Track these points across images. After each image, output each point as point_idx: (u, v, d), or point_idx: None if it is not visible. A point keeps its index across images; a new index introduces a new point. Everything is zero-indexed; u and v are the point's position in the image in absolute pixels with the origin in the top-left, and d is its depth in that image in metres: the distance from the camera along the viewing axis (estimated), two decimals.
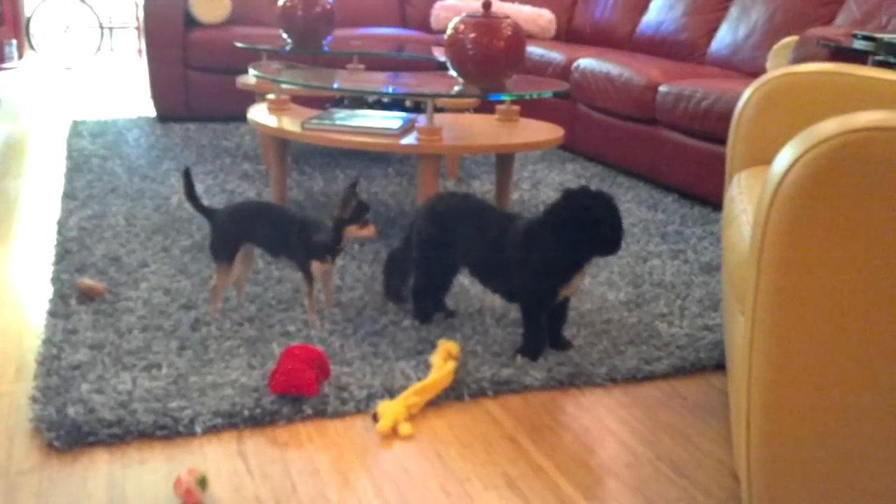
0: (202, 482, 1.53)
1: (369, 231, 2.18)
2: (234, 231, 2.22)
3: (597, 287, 2.57)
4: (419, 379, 1.94)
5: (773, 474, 1.35)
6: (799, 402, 1.31)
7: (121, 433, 1.71)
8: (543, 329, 2.12)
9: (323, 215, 2.20)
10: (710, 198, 3.50)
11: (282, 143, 3.20)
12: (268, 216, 2.23)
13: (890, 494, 1.33)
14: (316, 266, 2.19)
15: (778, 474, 1.35)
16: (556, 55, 4.64)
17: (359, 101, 4.01)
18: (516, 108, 3.25)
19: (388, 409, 1.80)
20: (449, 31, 2.90)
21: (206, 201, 3.28)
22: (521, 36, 2.88)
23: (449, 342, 2.05)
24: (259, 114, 3.18)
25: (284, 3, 3.84)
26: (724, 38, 4.22)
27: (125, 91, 6.22)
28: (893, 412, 1.28)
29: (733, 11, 4.24)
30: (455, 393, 1.93)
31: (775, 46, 3.48)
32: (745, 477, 1.39)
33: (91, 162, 3.88)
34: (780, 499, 1.37)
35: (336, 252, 2.19)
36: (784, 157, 1.27)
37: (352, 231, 2.16)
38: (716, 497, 1.61)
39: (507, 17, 2.89)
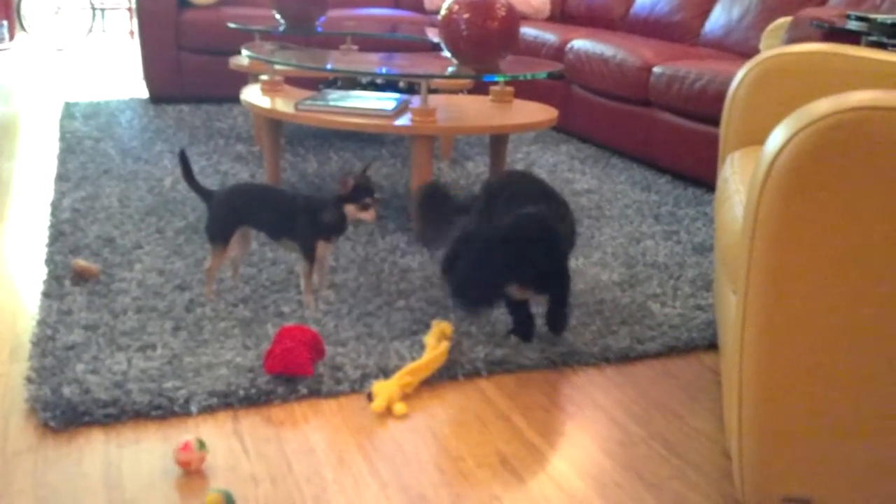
0: (201, 444, 1.56)
1: (369, 215, 2.16)
2: (230, 213, 2.21)
3: (590, 267, 2.57)
4: (413, 359, 1.95)
5: (765, 452, 1.37)
6: (790, 380, 1.32)
7: (116, 413, 1.72)
8: (520, 310, 2.12)
9: (324, 195, 2.19)
10: (703, 178, 3.50)
11: (275, 124, 3.19)
12: (266, 198, 2.22)
13: (883, 470, 1.34)
14: (321, 246, 2.19)
15: (769, 452, 1.36)
16: (549, 36, 4.63)
17: (352, 82, 4.00)
18: (510, 89, 3.25)
19: (383, 389, 1.81)
20: (443, 12, 2.89)
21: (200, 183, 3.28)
22: (515, 17, 2.88)
23: (442, 322, 2.05)
24: (252, 95, 3.17)
25: None
26: (718, 19, 4.21)
27: (117, 72, 6.19)
28: (886, 389, 1.30)
29: None
30: (449, 373, 1.94)
31: (769, 27, 3.48)
32: (737, 455, 1.40)
33: (84, 143, 3.87)
34: (772, 476, 1.38)
35: (340, 232, 2.20)
36: (777, 137, 1.27)
37: (351, 212, 2.15)
38: (707, 475, 1.63)
39: None
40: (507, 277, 1.99)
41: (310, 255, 2.19)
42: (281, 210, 2.19)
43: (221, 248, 2.22)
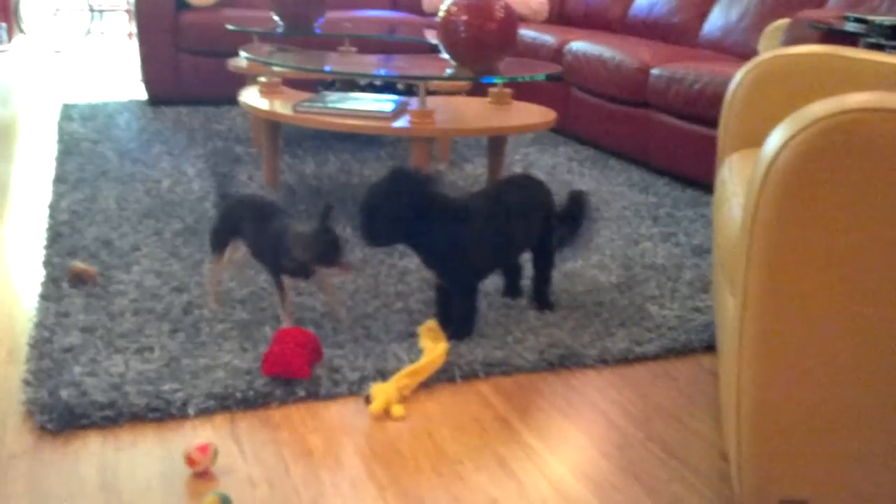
0: (215, 454, 1.57)
1: (345, 272, 2.03)
2: (227, 224, 2.18)
3: (588, 269, 2.57)
4: (411, 361, 1.95)
5: (763, 454, 1.36)
6: (789, 382, 1.32)
7: (113, 416, 1.71)
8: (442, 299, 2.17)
9: (316, 233, 1.97)
10: (701, 180, 3.50)
11: (273, 126, 3.19)
12: (262, 217, 2.10)
13: (882, 473, 1.34)
14: (286, 281, 2.08)
15: (767, 454, 1.36)
16: (548, 38, 4.63)
17: (350, 83, 4.00)
18: (508, 90, 3.25)
19: (381, 391, 1.80)
20: (441, 14, 2.89)
21: (197, 185, 3.28)
22: (513, 18, 2.88)
23: (428, 322, 2.06)
24: (250, 97, 3.16)
25: None
26: (717, 20, 4.21)
27: (116, 74, 6.19)
28: (885, 391, 1.29)
29: None
30: (447, 375, 1.94)
31: (767, 29, 3.48)
32: (735, 457, 1.40)
33: (82, 145, 3.87)
34: (770, 479, 1.38)
35: (305, 277, 2.05)
36: (775, 139, 1.27)
37: (324, 273, 2.01)
38: (706, 477, 1.62)
39: None
40: (397, 233, 1.99)
41: (277, 284, 2.09)
42: (266, 233, 2.07)
43: (217, 256, 2.20)
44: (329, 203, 1.98)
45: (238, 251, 2.23)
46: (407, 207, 1.95)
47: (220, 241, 2.19)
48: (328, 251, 1.95)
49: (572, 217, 2.29)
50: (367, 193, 1.96)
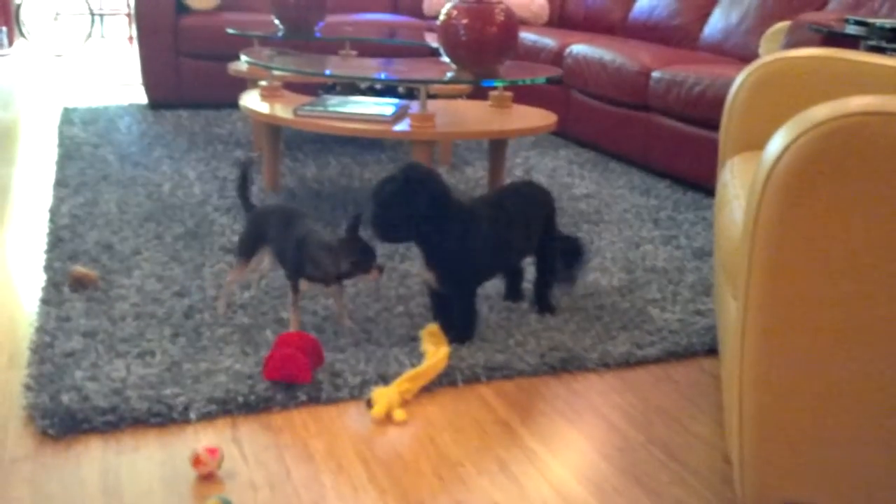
0: (221, 462, 1.58)
1: (377, 276, 2.06)
2: (255, 232, 2.18)
3: (589, 272, 2.57)
4: (413, 365, 1.95)
5: (765, 457, 1.36)
6: (791, 385, 1.31)
7: (115, 420, 1.71)
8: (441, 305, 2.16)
9: (340, 242, 2.02)
10: (702, 183, 3.50)
11: (274, 129, 3.19)
12: (283, 222, 2.13)
13: (884, 474, 1.34)
14: (304, 284, 2.10)
15: (770, 457, 1.36)
16: (548, 41, 4.63)
17: (351, 87, 4.00)
18: (509, 94, 3.25)
19: (382, 396, 1.80)
20: (441, 17, 2.89)
21: (198, 189, 3.28)
22: (513, 21, 2.88)
23: (430, 325, 2.05)
24: (251, 100, 3.17)
25: None
26: (717, 23, 4.22)
27: (116, 78, 6.19)
28: (887, 393, 1.29)
29: None
30: (448, 378, 1.94)
31: (768, 32, 3.48)
32: (737, 460, 1.40)
33: (82, 149, 3.87)
34: (772, 482, 1.37)
35: (324, 284, 2.11)
36: (776, 142, 1.27)
37: (358, 278, 2.07)
38: (707, 480, 1.62)
39: (500, 2, 2.89)
40: (411, 229, 1.99)
41: (294, 286, 2.10)
42: (290, 237, 2.10)
43: (242, 262, 2.19)
44: (358, 213, 2.03)
45: (262, 261, 2.23)
46: (423, 204, 1.95)
47: (247, 248, 2.19)
48: (364, 259, 2.02)
49: (568, 259, 2.33)
50: (383, 188, 1.96)
